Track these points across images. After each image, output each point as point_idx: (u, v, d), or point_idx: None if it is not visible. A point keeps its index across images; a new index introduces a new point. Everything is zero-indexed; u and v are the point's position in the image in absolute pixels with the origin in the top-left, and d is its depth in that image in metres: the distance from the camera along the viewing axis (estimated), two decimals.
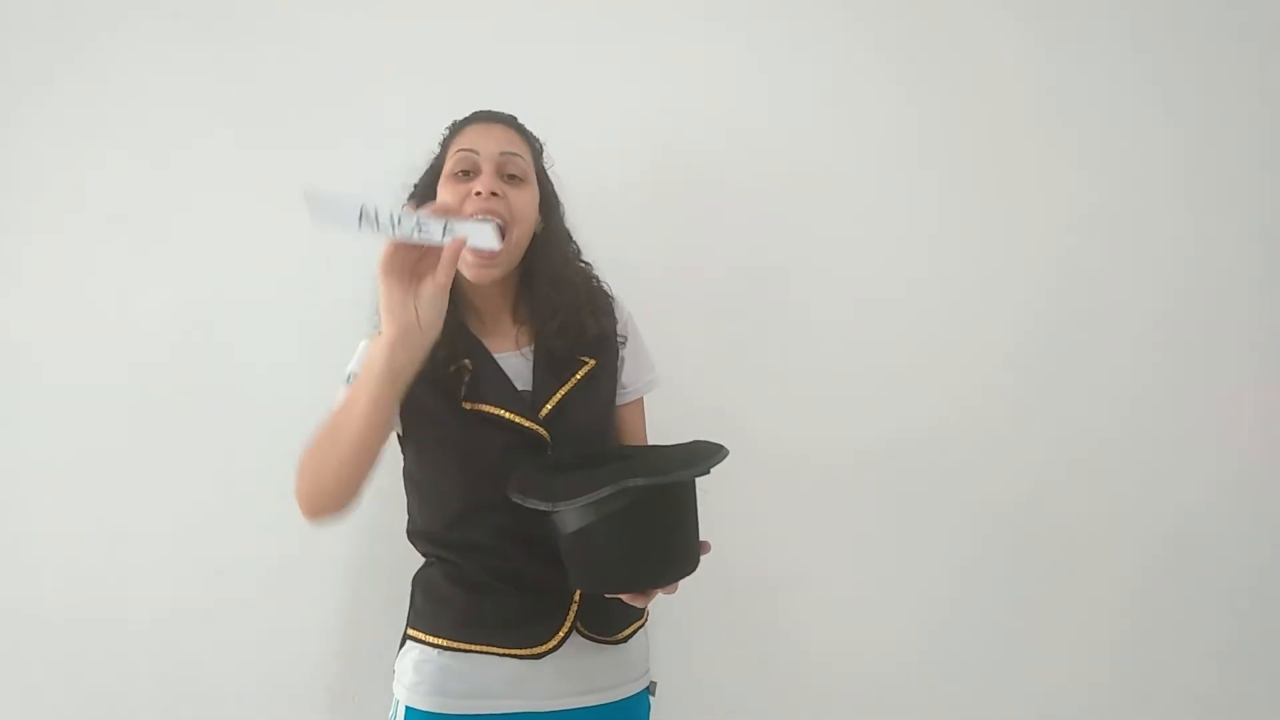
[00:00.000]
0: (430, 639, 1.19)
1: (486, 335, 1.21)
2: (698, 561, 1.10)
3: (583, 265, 1.29)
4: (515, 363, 1.20)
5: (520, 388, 1.18)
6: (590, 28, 1.64)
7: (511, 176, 1.17)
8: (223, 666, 1.57)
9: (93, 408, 1.55)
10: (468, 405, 1.14)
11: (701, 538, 1.11)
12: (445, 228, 0.93)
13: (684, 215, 1.65)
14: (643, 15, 1.64)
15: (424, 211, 0.93)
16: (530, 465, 1.13)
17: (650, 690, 1.29)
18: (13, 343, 1.55)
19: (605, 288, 1.30)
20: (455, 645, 1.18)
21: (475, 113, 1.25)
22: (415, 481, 1.24)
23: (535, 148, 1.25)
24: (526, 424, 1.15)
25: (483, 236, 1.00)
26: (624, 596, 1.09)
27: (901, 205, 1.69)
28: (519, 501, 1.05)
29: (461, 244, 0.93)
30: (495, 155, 1.16)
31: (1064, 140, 1.70)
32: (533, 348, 1.21)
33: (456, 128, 1.23)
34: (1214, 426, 1.73)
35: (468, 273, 1.16)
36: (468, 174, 1.16)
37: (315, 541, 1.57)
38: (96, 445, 1.56)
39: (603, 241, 1.35)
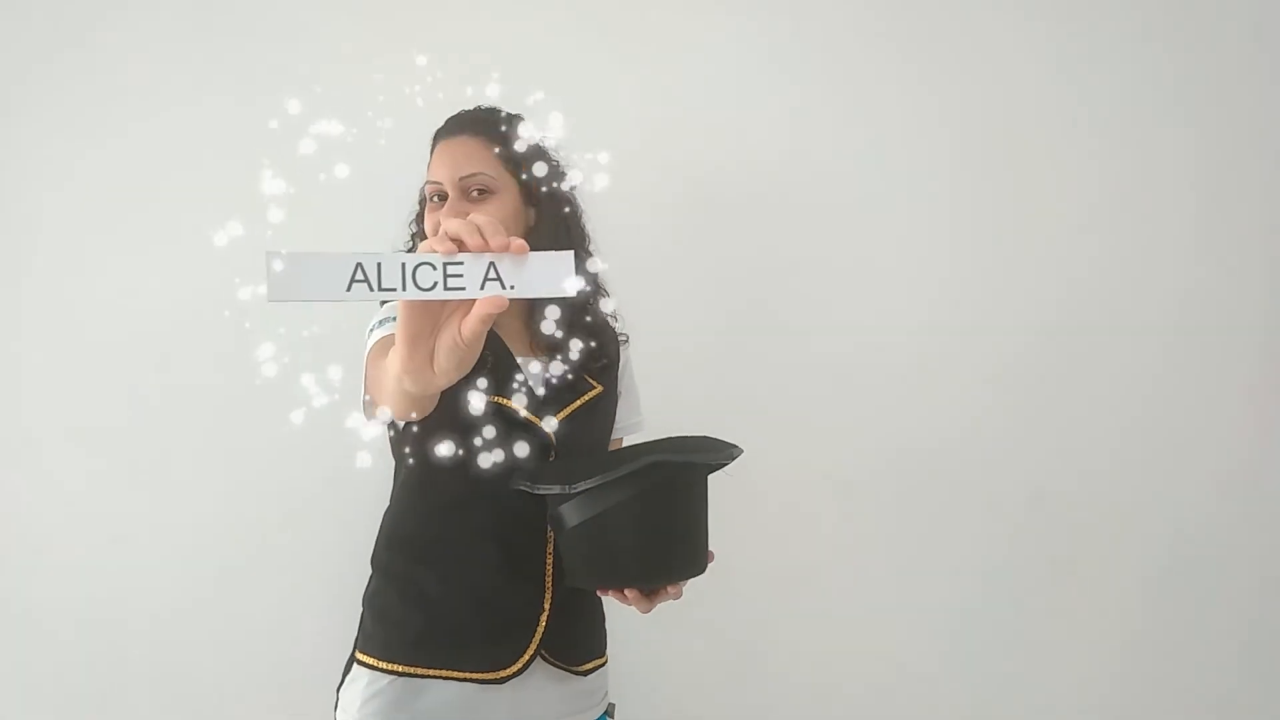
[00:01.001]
0: (381, 664, 1.13)
1: (504, 335, 1.20)
2: (706, 563, 1.08)
3: (589, 260, 1.25)
4: (531, 368, 1.20)
5: (535, 392, 1.18)
6: (596, 27, 1.63)
7: (480, 192, 1.15)
8: (223, 666, 1.57)
9: (92, 408, 1.55)
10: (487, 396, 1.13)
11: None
12: (489, 272, 0.64)
13: (691, 218, 1.65)
14: (649, 13, 1.64)
15: (449, 252, 0.64)
16: (535, 463, 1.12)
17: (609, 713, 1.27)
18: (12, 343, 1.55)
19: (613, 318, 1.30)
20: (410, 670, 1.12)
21: (441, 126, 1.21)
22: (407, 468, 1.19)
23: (506, 140, 1.17)
24: (539, 424, 1.15)
25: (551, 274, 0.65)
26: (630, 595, 1.06)
27: (910, 207, 1.68)
28: (527, 489, 1.02)
29: (502, 303, 0.63)
30: (456, 181, 1.14)
31: (1073, 141, 1.70)
32: (546, 358, 1.21)
33: (432, 144, 1.21)
34: (1222, 428, 1.72)
35: None
36: (442, 199, 1.15)
37: (317, 541, 1.57)
38: (96, 446, 1.56)
39: (607, 245, 1.34)
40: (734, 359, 1.66)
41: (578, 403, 1.19)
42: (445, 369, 0.71)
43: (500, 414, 1.14)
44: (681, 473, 1.02)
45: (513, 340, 1.21)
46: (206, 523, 1.56)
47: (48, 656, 1.56)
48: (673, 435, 1.18)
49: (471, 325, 0.66)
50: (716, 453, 1.04)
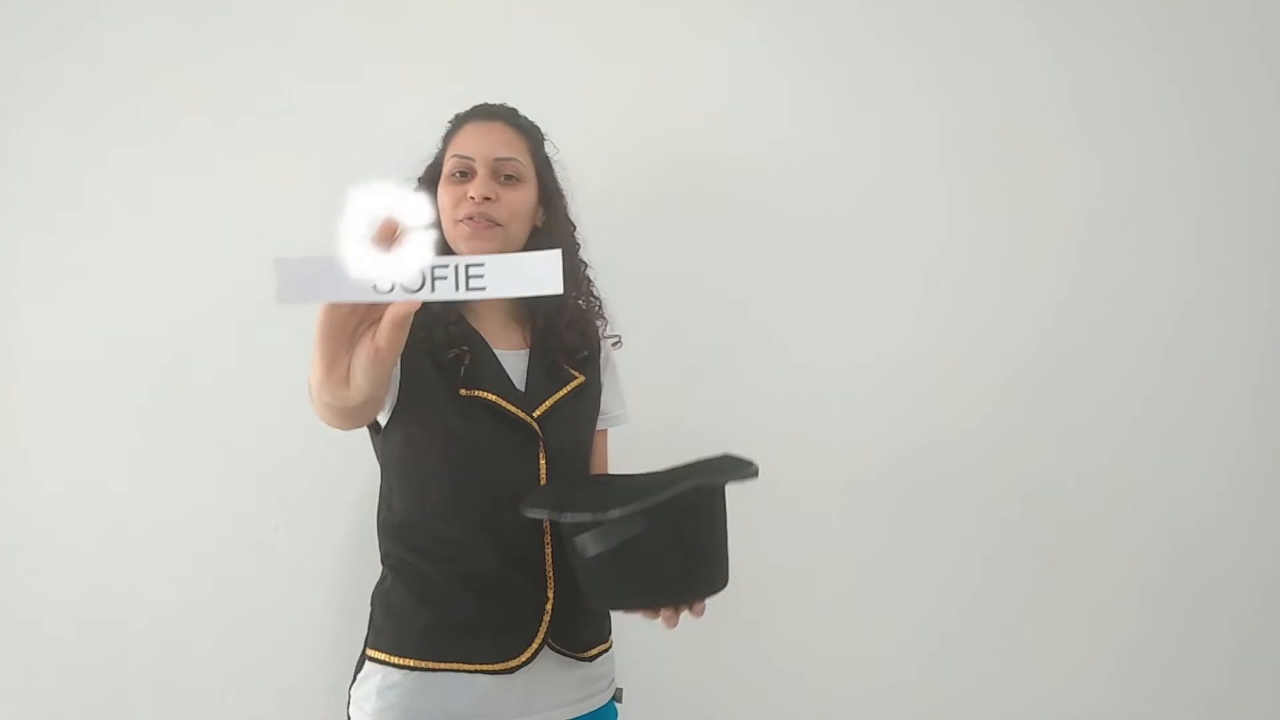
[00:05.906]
0: (393, 660, 1.14)
1: (484, 329, 1.22)
2: (728, 576, 1.08)
3: (581, 266, 1.30)
4: (511, 360, 1.21)
5: (516, 384, 1.20)
6: (591, 20, 1.63)
7: (508, 177, 1.19)
8: (223, 667, 1.57)
9: (92, 408, 1.55)
10: (464, 391, 1.14)
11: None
12: (465, 272, 0.63)
13: (688, 218, 1.65)
14: (643, 12, 1.64)
15: (436, 257, 0.63)
16: (546, 488, 1.11)
17: (616, 698, 1.28)
18: (13, 343, 1.55)
19: (598, 308, 1.32)
20: (422, 665, 1.12)
21: (473, 109, 1.25)
22: (397, 466, 1.19)
23: (535, 140, 1.25)
24: (523, 416, 1.16)
25: (537, 273, 0.64)
26: (663, 614, 1.06)
27: (907, 206, 1.69)
28: (549, 517, 1.01)
29: (413, 306, 0.64)
30: (490, 159, 1.17)
31: (1072, 140, 1.70)
32: (528, 350, 1.23)
33: (456, 124, 1.25)
34: (1222, 428, 1.72)
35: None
36: (465, 175, 1.18)
37: (316, 542, 1.57)
38: (97, 446, 1.56)
39: (605, 245, 1.35)
40: (734, 362, 1.66)
41: (561, 392, 1.21)
42: (360, 385, 0.70)
43: (482, 407, 1.15)
44: (713, 494, 1.03)
45: (492, 334, 1.22)
46: (206, 522, 1.56)
47: (48, 656, 1.55)
48: (692, 459, 1.16)
49: (386, 333, 0.66)
50: (740, 470, 1.05)
